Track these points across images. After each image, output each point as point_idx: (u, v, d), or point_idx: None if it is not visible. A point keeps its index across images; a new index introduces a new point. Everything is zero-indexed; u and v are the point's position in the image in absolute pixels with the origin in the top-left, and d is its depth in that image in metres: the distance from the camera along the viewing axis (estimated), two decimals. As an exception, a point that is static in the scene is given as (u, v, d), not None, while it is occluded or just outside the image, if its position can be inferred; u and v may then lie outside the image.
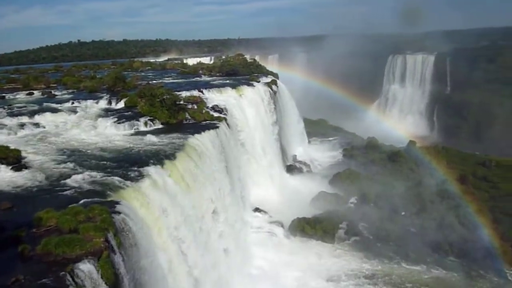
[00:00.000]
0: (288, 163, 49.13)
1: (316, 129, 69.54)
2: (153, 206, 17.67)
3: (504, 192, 43.32)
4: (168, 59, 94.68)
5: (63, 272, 11.00)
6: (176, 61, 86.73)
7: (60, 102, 32.99)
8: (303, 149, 55.78)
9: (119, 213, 14.60)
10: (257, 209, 37.13)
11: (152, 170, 19.26)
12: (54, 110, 30.01)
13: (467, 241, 33.72)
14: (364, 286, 28.44)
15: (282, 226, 35.38)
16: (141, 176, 18.51)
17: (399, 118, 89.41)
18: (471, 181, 44.78)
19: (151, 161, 20.49)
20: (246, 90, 42.37)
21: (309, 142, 61.77)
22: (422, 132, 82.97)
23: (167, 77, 52.34)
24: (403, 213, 38.13)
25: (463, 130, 78.73)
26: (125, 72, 50.83)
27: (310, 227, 34.79)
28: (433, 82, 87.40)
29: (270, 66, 78.54)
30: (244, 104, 39.84)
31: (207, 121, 31.49)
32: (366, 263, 31.33)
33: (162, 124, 29.59)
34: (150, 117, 29.58)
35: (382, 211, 38.19)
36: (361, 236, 35.26)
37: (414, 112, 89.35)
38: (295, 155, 52.00)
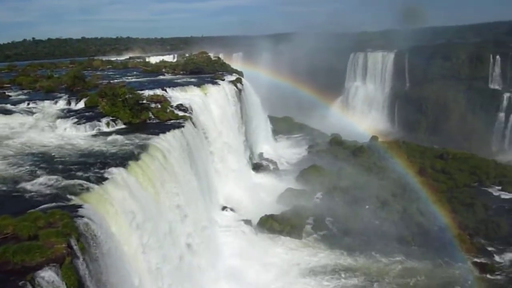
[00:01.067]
0: (255, 161, 49.30)
1: (282, 126, 70.19)
2: (117, 208, 17.20)
3: (460, 183, 45.47)
4: (130, 58, 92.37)
5: (22, 281, 10.49)
6: (138, 60, 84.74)
7: (15, 103, 31.40)
8: (269, 146, 56.15)
9: (82, 217, 14.10)
10: (225, 208, 37.03)
11: (115, 171, 18.74)
12: (8, 112, 28.55)
13: (428, 231, 35.23)
14: (331, 279, 29.06)
15: (250, 223, 35.45)
16: (104, 178, 17.97)
17: (362, 114, 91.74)
18: (430, 173, 46.71)
19: (114, 162, 19.92)
20: (211, 88, 42.06)
21: (275, 139, 62.25)
22: (383, 127, 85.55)
23: (129, 76, 51.06)
24: (367, 206, 39.23)
25: (422, 125, 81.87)
26: (85, 71, 49.03)
27: (278, 224, 35.11)
28: (393, 79, 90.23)
29: (235, 64, 78.37)
30: (209, 103, 39.54)
31: (172, 121, 30.96)
32: (333, 256, 32.00)
33: (125, 124, 28.82)
34: (112, 117, 28.73)
35: (347, 205, 39.17)
36: (327, 230, 36.00)
37: (375, 108, 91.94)
38: (262, 153, 52.26)
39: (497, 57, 78.47)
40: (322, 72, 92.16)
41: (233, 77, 50.57)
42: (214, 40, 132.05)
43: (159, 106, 32.71)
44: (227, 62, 66.76)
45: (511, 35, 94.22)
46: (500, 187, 45.55)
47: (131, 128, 28.07)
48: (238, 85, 48.70)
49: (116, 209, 17.10)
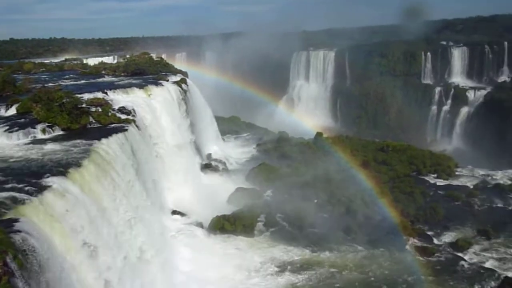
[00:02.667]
0: (204, 162, 48.76)
1: (229, 126, 70.09)
2: (58, 219, 16.19)
3: (400, 173, 48.13)
4: (66, 60, 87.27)
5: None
6: (75, 62, 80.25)
7: None
8: (217, 147, 55.80)
9: (19, 231, 13.09)
10: (175, 212, 36.28)
11: (55, 180, 17.64)
12: None
13: (373, 220, 36.95)
14: (284, 273, 29.53)
15: (202, 226, 35.07)
16: (42, 188, 16.84)
17: (306, 112, 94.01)
18: (373, 166, 48.94)
19: (53, 171, 18.74)
20: (154, 89, 40.92)
21: (223, 139, 61.99)
22: (327, 124, 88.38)
23: (65, 79, 48.28)
24: (315, 200, 40.31)
25: (363, 120, 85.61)
26: (15, 75, 45.71)
27: (229, 224, 35.01)
28: (335, 77, 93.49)
29: (179, 65, 76.98)
30: (153, 104, 38.44)
31: (114, 124, 29.73)
32: (285, 251, 32.56)
33: (63, 130, 27.25)
34: (49, 123, 27.03)
35: (296, 200, 39.95)
36: (278, 226, 36.52)
37: (319, 105, 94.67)
38: (210, 154, 51.81)
39: (428, 54, 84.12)
40: (267, 71, 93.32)
41: (178, 78, 49.60)
42: (156, 40, 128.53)
43: (100, 110, 31.26)
44: (170, 62, 65.39)
45: (440, 33, 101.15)
46: (435, 175, 48.87)
47: (70, 134, 26.59)
48: (183, 85, 47.86)
49: (56, 220, 16.09)
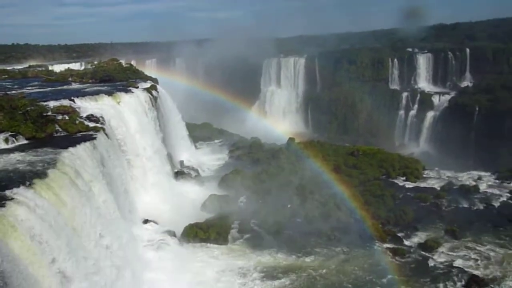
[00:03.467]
0: (176, 170, 48.09)
1: (201, 133, 69.61)
2: (24, 233, 15.45)
3: (371, 176, 49.07)
4: (30, 66, 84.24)
5: None
6: (40, 68, 77.63)
7: None
8: (190, 154, 55.25)
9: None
10: (146, 221, 35.49)
11: (18, 191, 16.86)
12: None
13: (346, 224, 37.42)
14: (259, 279, 29.37)
15: (175, 234, 34.44)
16: (5, 200, 16.04)
17: (278, 117, 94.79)
18: (344, 170, 49.70)
19: (17, 181, 17.94)
20: (124, 96, 40.13)
21: (195, 146, 61.45)
22: (299, 129, 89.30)
23: (29, 86, 46.62)
24: (289, 205, 40.47)
25: (333, 125, 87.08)
26: (-25, 83, 43.73)
27: (203, 232, 34.59)
28: (305, 83, 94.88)
29: (149, 71, 75.89)
30: (123, 112, 37.66)
31: (82, 133, 28.93)
32: (260, 257, 32.42)
33: (27, 139, 26.22)
34: (12, 132, 25.96)
35: (270, 206, 40.00)
36: (253, 232, 36.38)
37: (291, 111, 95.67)
38: (182, 161, 51.21)
39: (395, 60, 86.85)
40: (239, 77, 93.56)
41: (148, 84, 48.88)
42: (125, 47, 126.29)
43: (67, 118, 30.32)
44: (140, 69, 64.34)
45: (405, 41, 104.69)
46: (404, 178, 50.13)
47: (35, 143, 25.60)
48: (153, 92, 47.18)
49: (20, 232, 15.35)
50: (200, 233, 34.55)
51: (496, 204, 42.46)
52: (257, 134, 65.82)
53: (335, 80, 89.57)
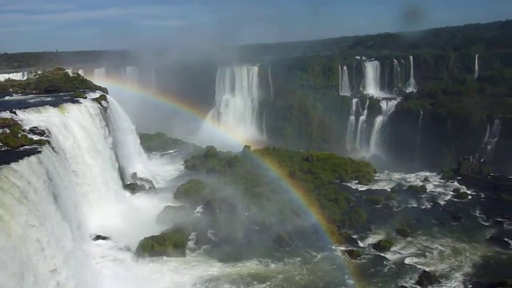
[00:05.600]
0: (128, 182, 46.54)
1: (155, 143, 68.03)
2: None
3: (325, 181, 50.17)
4: (-34, 77, 78.47)
5: None
6: (-23, 79, 72.59)
7: None
8: (143, 165, 53.71)
9: None
10: (98, 237, 33.97)
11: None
12: None
13: (303, 228, 37.95)
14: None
15: (129, 249, 33.22)
16: None
17: (233, 125, 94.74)
18: (299, 175, 50.45)
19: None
20: (71, 107, 38.36)
21: (148, 157, 59.88)
22: (254, 136, 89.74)
23: (-35, 98, 43.33)
24: (246, 213, 40.37)
25: (287, 131, 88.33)
26: None
27: (159, 245, 33.64)
28: (259, 90, 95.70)
29: (98, 80, 73.11)
30: (70, 123, 35.91)
31: (26, 147, 27.20)
32: (218, 268, 32.06)
33: (-38, 155, 24.21)
34: None
35: (228, 215, 39.71)
36: (211, 243, 35.92)
37: (245, 119, 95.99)
38: (135, 173, 49.66)
39: (344, 68, 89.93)
40: (193, 86, 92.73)
41: (97, 94, 47.09)
42: (72, 55, 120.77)
43: (8, 131, 28.46)
44: (88, 78, 61.91)
45: (354, 48, 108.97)
46: (356, 181, 51.75)
47: (-29, 159, 23.68)
48: (103, 102, 45.50)
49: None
50: (156, 246, 33.56)
51: (442, 202, 45.03)
52: (212, 142, 65.33)
53: (288, 88, 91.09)
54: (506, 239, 35.90)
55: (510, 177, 53.42)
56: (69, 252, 24.19)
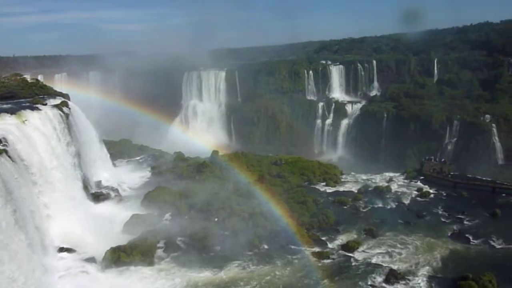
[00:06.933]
0: (93, 191, 45.07)
1: (120, 150, 66.42)
2: None
3: (294, 184, 50.62)
4: None
5: None
6: None
7: None
8: (108, 173, 52.15)
9: None
10: (62, 249, 32.66)
11: None
12: None
13: (273, 232, 38.01)
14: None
15: (95, 260, 32.11)
16: None
17: (201, 130, 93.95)
18: (268, 179, 50.62)
19: None
20: (30, 115, 36.81)
21: (114, 164, 58.28)
22: (223, 141, 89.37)
23: None
24: (216, 219, 40.03)
25: (256, 136, 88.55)
26: None
27: (126, 255, 32.69)
28: (227, 95, 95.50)
29: (59, 86, 70.80)
30: (29, 132, 34.41)
31: (-20, 156, 25.79)
32: (188, 275, 31.54)
33: None
34: None
35: (197, 221, 39.23)
36: (180, 250, 35.29)
37: (213, 123, 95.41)
38: (100, 181, 48.16)
39: (310, 72, 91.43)
40: (159, 91, 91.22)
41: (58, 101, 45.42)
42: (30, 60, 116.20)
43: (-40, 141, 26.87)
44: (48, 84, 59.52)
45: (319, 53, 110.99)
46: (324, 183, 52.54)
47: None
48: (64, 109, 43.90)
49: None
50: (123, 256, 32.58)
51: (406, 201, 46.50)
52: (180, 148, 64.53)
53: (255, 92, 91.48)
54: (467, 235, 37.52)
55: (469, 175, 56.20)
56: (28, 266, 23.05)
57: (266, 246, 35.74)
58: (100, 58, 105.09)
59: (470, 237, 37.08)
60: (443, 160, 60.98)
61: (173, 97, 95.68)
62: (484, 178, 54.59)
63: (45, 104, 41.99)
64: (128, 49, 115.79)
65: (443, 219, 41.38)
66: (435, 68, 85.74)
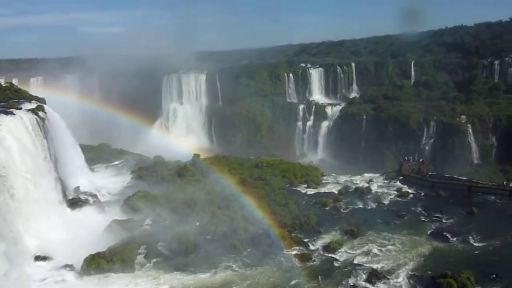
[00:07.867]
0: (71, 197, 44.00)
1: (98, 154, 65.14)
2: None
3: (275, 186, 50.63)
4: None
5: None
6: None
7: None
8: (86, 178, 51.06)
9: None
10: (38, 258, 31.76)
11: None
12: None
13: (255, 235, 37.88)
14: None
15: (73, 268, 31.33)
16: None
17: (182, 134, 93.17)
18: (250, 182, 50.53)
19: None
20: (4, 120, 35.77)
21: (92, 170, 57.13)
22: (204, 145, 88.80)
23: None
24: (197, 223, 39.68)
25: (237, 139, 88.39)
26: None
27: (106, 261, 32.03)
28: (208, 98, 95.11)
29: (34, 90, 69.06)
30: (3, 136, 33.40)
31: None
32: (170, 281, 31.11)
33: None
34: None
35: (178, 225, 38.77)
36: (161, 256, 34.79)
37: (194, 127, 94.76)
38: (78, 187, 47.08)
39: (290, 75, 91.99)
40: (139, 94, 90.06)
41: (33, 105, 44.28)
42: (4, 64, 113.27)
43: None
44: (23, 88, 58.01)
45: (298, 56, 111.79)
46: (305, 185, 52.78)
47: None
48: (40, 113, 42.78)
49: None
50: (102, 263, 31.92)
51: (386, 202, 47.12)
52: (161, 152, 63.77)
53: (236, 95, 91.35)
54: (445, 234, 38.25)
55: (447, 175, 57.45)
56: (3, 276, 22.30)
57: (248, 249, 35.55)
58: (78, 61, 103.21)
59: (449, 236, 37.81)
60: (421, 160, 62.13)
61: (153, 101, 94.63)
62: (460, 178, 55.84)
63: (20, 109, 40.88)
64: (108, 52, 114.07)
65: (422, 219, 42.10)
66: (412, 70, 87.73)
